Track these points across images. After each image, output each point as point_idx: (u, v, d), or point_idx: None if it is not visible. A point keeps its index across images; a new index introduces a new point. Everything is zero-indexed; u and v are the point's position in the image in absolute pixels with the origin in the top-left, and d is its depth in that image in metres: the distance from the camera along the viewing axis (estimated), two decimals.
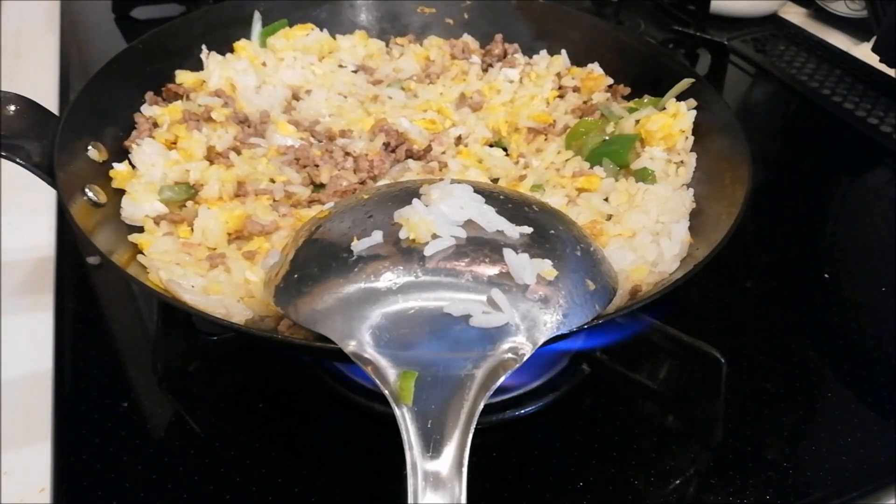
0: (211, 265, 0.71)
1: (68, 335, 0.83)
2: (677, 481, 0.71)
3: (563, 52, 1.06)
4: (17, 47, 1.40)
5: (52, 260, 0.92)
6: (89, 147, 0.79)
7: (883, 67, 1.36)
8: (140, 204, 0.78)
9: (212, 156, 0.85)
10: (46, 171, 0.70)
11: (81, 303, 0.87)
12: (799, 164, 1.21)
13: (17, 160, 0.69)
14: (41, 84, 1.28)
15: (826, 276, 0.98)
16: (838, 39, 1.56)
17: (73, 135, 0.76)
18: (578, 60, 1.06)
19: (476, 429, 0.77)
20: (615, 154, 0.86)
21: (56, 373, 0.78)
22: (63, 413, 0.74)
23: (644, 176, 0.84)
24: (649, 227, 0.75)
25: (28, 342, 0.83)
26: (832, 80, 1.40)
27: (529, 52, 1.10)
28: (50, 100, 1.22)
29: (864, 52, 1.43)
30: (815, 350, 0.87)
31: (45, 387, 0.77)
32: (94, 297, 0.88)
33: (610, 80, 1.02)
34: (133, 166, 0.82)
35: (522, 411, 0.76)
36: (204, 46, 0.99)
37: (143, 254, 0.72)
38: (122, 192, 0.79)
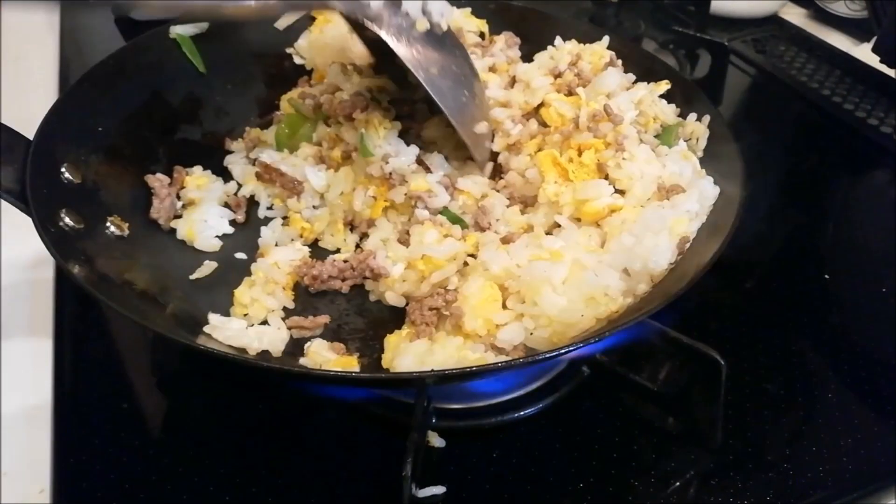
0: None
1: (68, 335, 0.83)
2: (677, 483, 0.71)
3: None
4: (17, 49, 1.40)
5: (52, 260, 0.92)
6: (63, 169, 0.77)
7: (883, 68, 1.36)
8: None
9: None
10: (19, 198, 0.68)
11: (81, 303, 0.86)
12: (799, 164, 1.20)
13: None
14: (41, 86, 1.28)
15: (826, 276, 0.98)
16: (838, 40, 1.56)
17: (46, 157, 0.75)
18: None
19: (476, 430, 0.77)
20: None
21: (56, 373, 0.78)
22: (63, 413, 0.74)
23: None
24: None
25: (28, 342, 0.83)
26: (832, 80, 1.39)
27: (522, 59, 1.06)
28: (50, 102, 1.21)
29: (864, 52, 1.43)
30: (815, 351, 0.87)
31: (45, 387, 0.77)
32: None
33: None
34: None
35: (522, 413, 0.76)
36: None
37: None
38: (101, 215, 0.80)
